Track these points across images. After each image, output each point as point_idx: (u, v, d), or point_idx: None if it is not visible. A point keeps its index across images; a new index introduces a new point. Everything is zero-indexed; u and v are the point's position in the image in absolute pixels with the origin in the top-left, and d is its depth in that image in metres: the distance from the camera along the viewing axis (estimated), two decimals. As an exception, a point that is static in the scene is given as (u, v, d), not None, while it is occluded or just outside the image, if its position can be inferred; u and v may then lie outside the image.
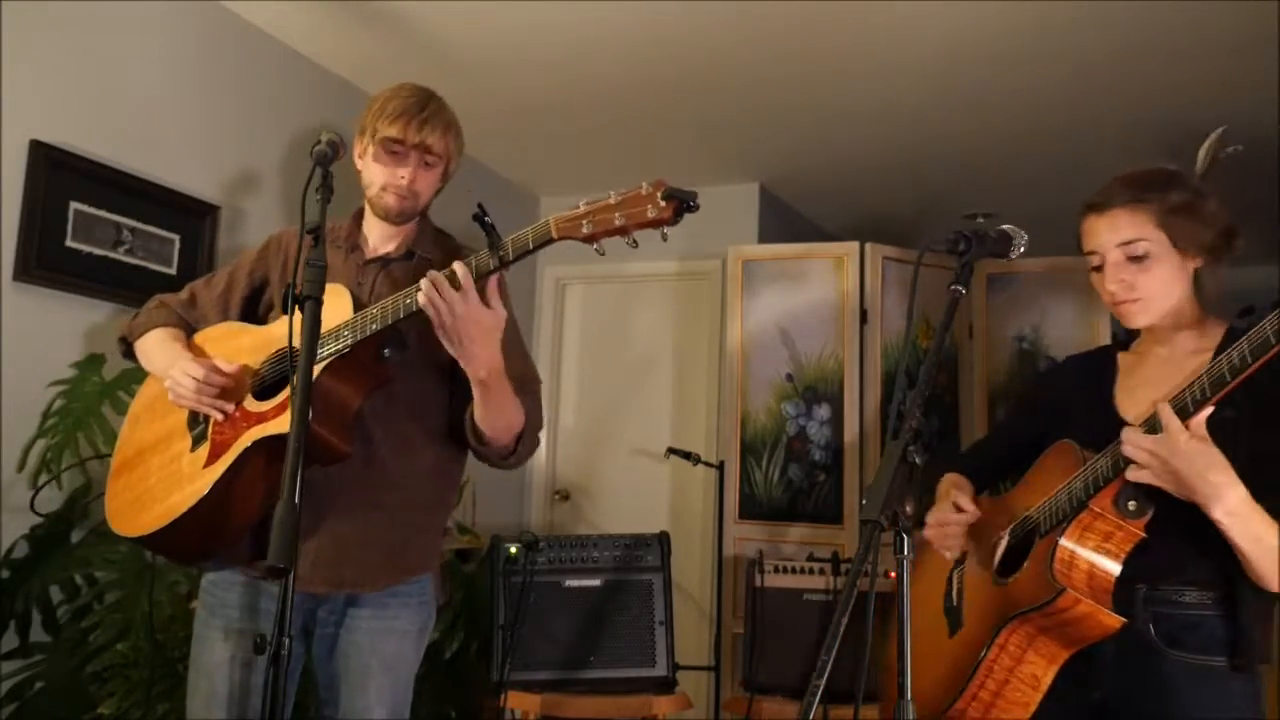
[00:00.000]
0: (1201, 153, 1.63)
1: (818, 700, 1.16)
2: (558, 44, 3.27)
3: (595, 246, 1.46)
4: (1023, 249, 1.57)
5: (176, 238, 2.92)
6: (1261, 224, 4.51)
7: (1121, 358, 1.69)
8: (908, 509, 1.24)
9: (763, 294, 3.99)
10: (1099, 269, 1.60)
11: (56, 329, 2.62)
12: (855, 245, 3.90)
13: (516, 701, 2.91)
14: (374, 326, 1.60)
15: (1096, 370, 1.70)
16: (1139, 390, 1.46)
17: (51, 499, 2.47)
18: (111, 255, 2.74)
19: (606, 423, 4.83)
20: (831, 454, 3.79)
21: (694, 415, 4.63)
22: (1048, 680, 1.53)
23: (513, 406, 1.70)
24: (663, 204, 1.38)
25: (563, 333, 4.97)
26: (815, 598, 3.10)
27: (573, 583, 3.05)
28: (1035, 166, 4.23)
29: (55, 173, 2.57)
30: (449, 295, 1.51)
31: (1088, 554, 1.48)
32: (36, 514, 2.17)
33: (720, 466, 3.89)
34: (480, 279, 1.53)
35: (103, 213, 2.71)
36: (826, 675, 1.16)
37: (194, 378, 1.69)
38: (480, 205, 1.49)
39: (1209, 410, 1.36)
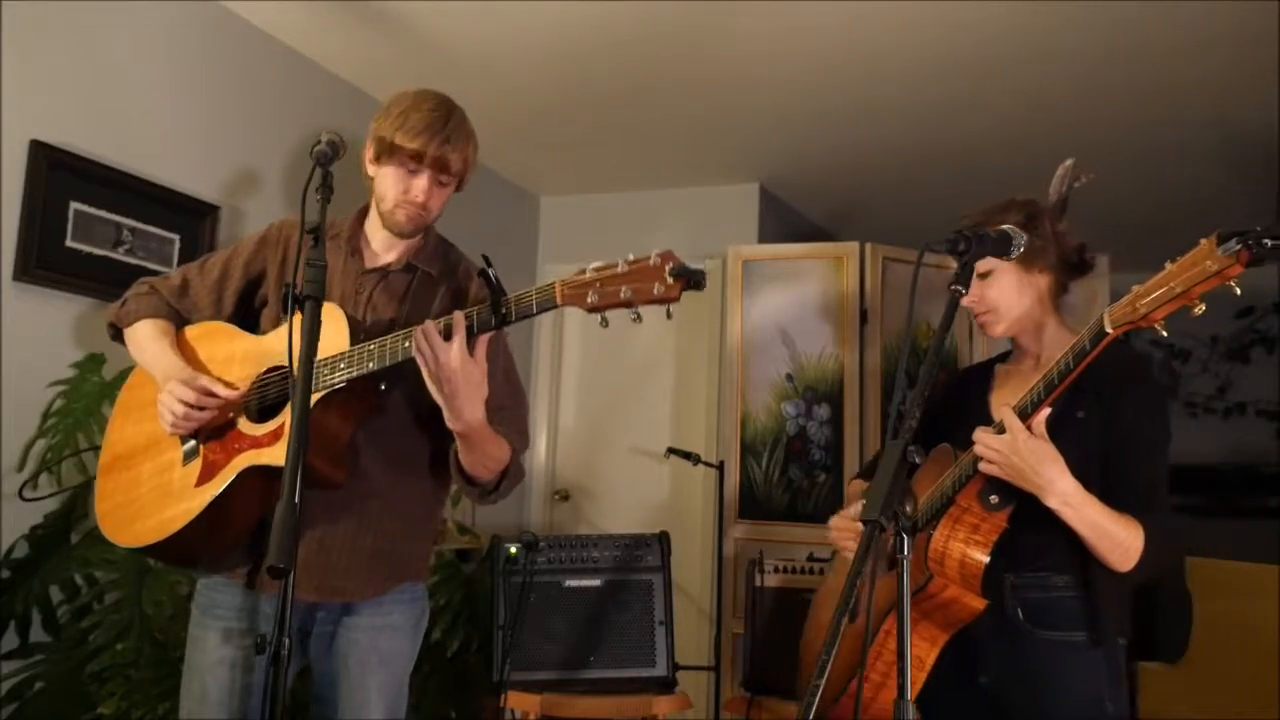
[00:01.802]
0: (1054, 182, 1.79)
1: (818, 700, 1.16)
2: (558, 45, 3.27)
3: (599, 319, 1.44)
4: (1022, 249, 1.60)
5: (176, 238, 2.92)
6: (1262, 224, 4.51)
7: (999, 369, 1.88)
8: (908, 509, 1.25)
9: (762, 294, 3.99)
10: None
11: (56, 329, 2.62)
12: (855, 245, 3.90)
13: (516, 701, 2.91)
14: (371, 365, 1.58)
15: (977, 381, 1.90)
16: (1011, 397, 1.61)
17: (52, 499, 2.48)
18: (111, 255, 2.74)
19: (606, 423, 4.83)
20: (831, 454, 3.79)
21: (694, 415, 4.62)
22: (930, 660, 1.66)
23: (496, 450, 1.69)
24: (670, 281, 1.38)
25: (563, 333, 4.97)
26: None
27: (573, 583, 3.05)
28: (1035, 167, 4.21)
29: (55, 173, 2.57)
30: (437, 344, 1.50)
31: (958, 544, 1.63)
32: (23, 499, 2.16)
33: (720, 466, 3.89)
34: (478, 334, 1.52)
35: (103, 213, 2.71)
36: (826, 675, 1.17)
37: (185, 403, 1.67)
38: (485, 257, 1.49)
39: (1046, 411, 1.53)
